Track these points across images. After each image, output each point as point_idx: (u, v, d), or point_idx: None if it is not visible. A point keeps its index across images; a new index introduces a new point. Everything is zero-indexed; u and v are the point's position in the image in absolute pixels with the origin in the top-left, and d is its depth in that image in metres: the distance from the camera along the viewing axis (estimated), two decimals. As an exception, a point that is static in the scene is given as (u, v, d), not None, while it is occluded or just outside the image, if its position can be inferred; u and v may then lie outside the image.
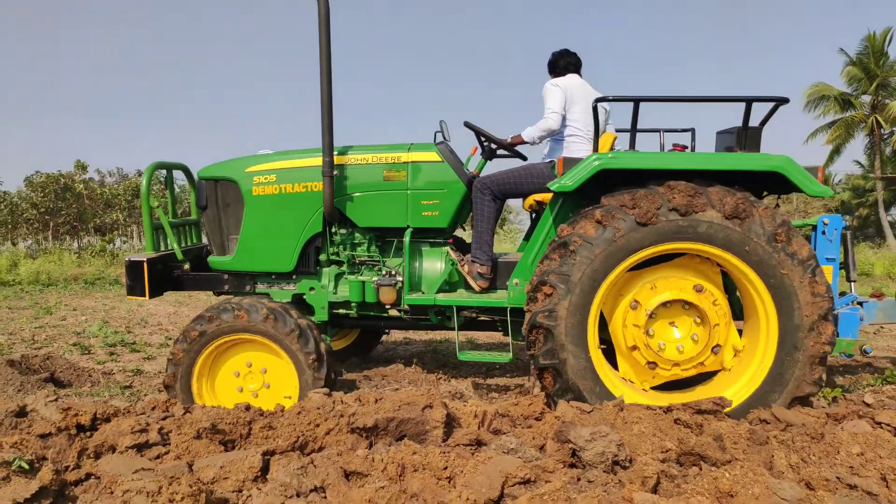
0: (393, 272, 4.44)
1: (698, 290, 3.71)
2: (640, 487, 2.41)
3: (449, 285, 4.42)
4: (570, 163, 3.79)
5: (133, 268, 4.27)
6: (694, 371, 3.80)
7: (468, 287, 4.36)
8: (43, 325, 7.96)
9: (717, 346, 3.74)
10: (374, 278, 4.41)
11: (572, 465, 2.74)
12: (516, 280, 4.07)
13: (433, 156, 4.33)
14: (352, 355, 5.75)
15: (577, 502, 2.21)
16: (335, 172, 4.17)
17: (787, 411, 3.40)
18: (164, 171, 4.74)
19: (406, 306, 4.33)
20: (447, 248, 4.42)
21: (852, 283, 4.41)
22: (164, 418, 3.06)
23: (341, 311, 4.57)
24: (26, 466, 2.37)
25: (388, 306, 4.42)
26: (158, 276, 4.41)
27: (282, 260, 4.44)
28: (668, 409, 3.34)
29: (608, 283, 3.63)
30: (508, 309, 4.13)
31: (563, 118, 4.28)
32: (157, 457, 2.78)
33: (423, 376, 5.15)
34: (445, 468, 2.57)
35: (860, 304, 4.41)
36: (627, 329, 3.76)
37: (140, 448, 2.80)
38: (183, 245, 4.79)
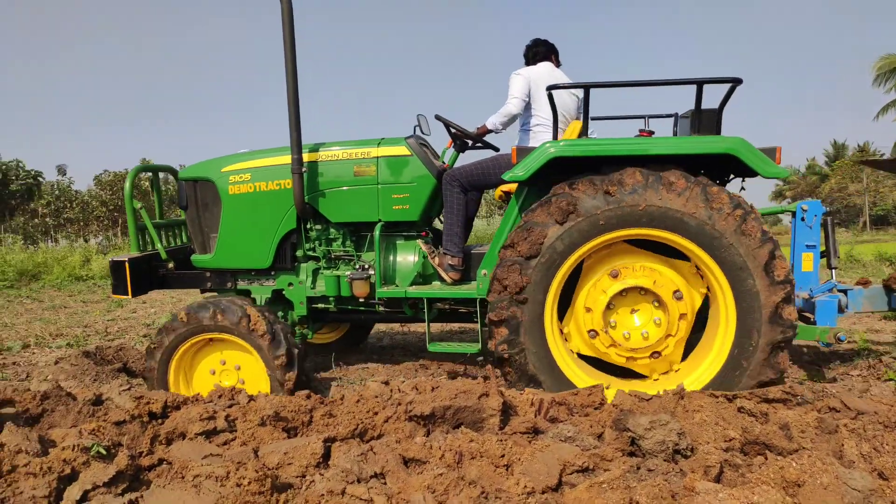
0: (366, 266, 4.47)
1: (678, 296, 3.69)
2: (702, 476, 2.37)
3: (423, 278, 4.46)
4: (523, 152, 3.78)
5: (116, 268, 4.39)
6: (649, 360, 3.81)
7: (443, 279, 4.36)
8: (115, 317, 8.34)
9: (658, 353, 3.77)
10: (348, 272, 4.45)
11: (631, 454, 2.71)
12: (484, 271, 4.06)
13: (402, 150, 4.35)
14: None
15: (636, 491, 2.19)
16: (304, 169, 4.21)
17: (858, 399, 3.26)
18: (162, 173, 4.84)
19: (380, 299, 4.39)
20: (419, 241, 4.45)
21: (833, 271, 4.29)
22: (230, 406, 3.17)
23: (320, 305, 4.63)
24: (104, 452, 2.50)
25: (361, 300, 4.45)
26: (142, 276, 4.51)
27: (259, 257, 4.52)
28: (732, 398, 3.26)
29: (564, 270, 3.66)
30: (478, 300, 4.12)
31: (530, 107, 4.20)
32: (225, 443, 2.89)
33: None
34: (503, 456, 2.58)
35: (844, 291, 4.31)
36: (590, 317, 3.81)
37: (208, 435, 2.92)
38: (170, 245, 4.92)
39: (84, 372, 4.89)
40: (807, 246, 4.15)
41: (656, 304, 3.76)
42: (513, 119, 4.44)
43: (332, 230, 4.56)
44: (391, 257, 4.49)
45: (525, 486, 2.35)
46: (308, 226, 4.53)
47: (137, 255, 4.54)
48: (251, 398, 3.30)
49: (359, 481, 2.46)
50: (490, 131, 4.44)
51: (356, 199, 4.39)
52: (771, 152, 3.56)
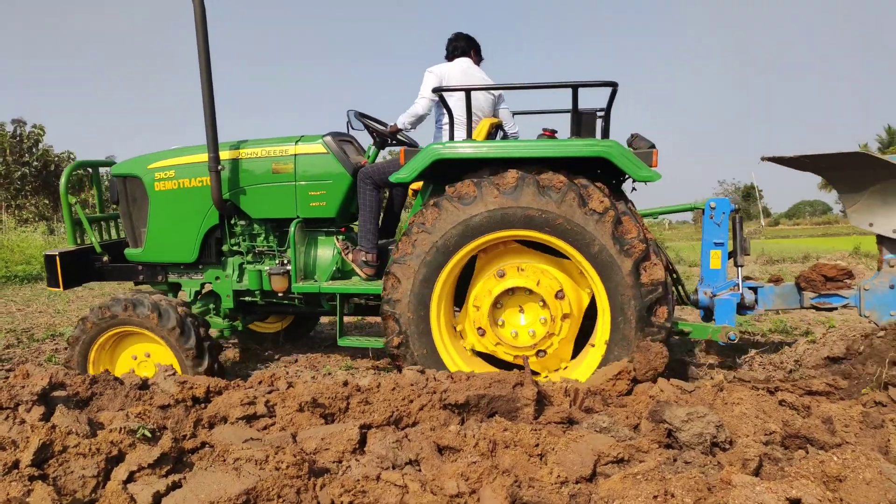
0: (285, 262, 4.57)
1: (560, 296, 3.76)
2: (740, 469, 2.33)
3: (342, 273, 4.57)
4: (410, 154, 3.87)
5: (49, 261, 4.57)
6: (533, 358, 3.86)
7: (360, 275, 4.43)
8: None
9: (543, 351, 3.82)
10: (266, 267, 4.56)
11: (668, 446, 2.69)
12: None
13: (319, 148, 4.44)
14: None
15: (671, 483, 2.17)
16: (221, 168, 4.32)
17: (907, 394, 3.16)
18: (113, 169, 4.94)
19: (298, 294, 4.51)
20: (334, 238, 4.56)
21: (739, 269, 4.25)
22: (269, 392, 3.25)
23: (247, 298, 4.75)
24: (149, 434, 2.59)
25: (280, 294, 4.56)
26: (74, 269, 4.67)
27: (184, 251, 4.66)
28: (774, 391, 3.20)
29: (448, 269, 3.76)
30: None
31: (443, 104, 4.14)
32: (264, 427, 2.96)
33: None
34: (537, 445, 2.58)
35: (754, 289, 4.31)
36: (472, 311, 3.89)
37: (249, 419, 2.99)
38: (108, 238, 5.07)
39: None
40: (714, 243, 4.18)
41: (542, 303, 3.79)
42: (420, 118, 4.53)
43: (255, 226, 4.66)
44: (310, 253, 4.60)
45: (559, 476, 2.35)
46: (232, 222, 4.66)
47: (71, 248, 4.73)
48: (290, 384, 3.37)
49: (394, 468, 2.50)
50: (400, 130, 4.51)
51: (275, 197, 4.49)
52: (647, 155, 3.64)
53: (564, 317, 3.77)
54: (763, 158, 4.03)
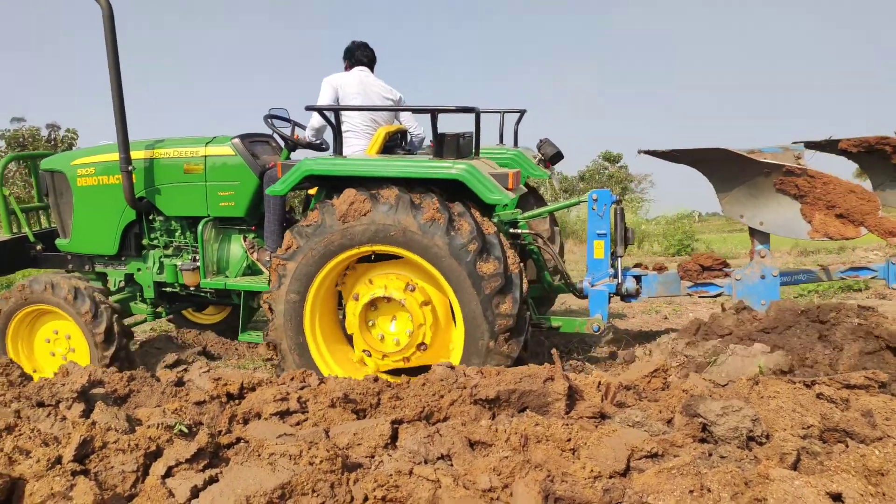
0: (197, 257, 4.71)
1: (410, 289, 3.87)
2: (777, 464, 2.29)
3: (252, 270, 4.75)
4: (286, 167, 4.00)
5: None
6: (401, 364, 3.96)
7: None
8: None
9: (423, 344, 3.88)
10: (177, 262, 4.75)
11: (703, 440, 2.65)
12: None
13: (227, 150, 4.61)
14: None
15: (707, 477, 2.15)
16: (131, 168, 4.51)
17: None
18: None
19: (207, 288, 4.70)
20: (240, 237, 4.77)
21: (618, 259, 4.36)
22: (301, 388, 3.28)
23: (168, 289, 4.95)
24: (186, 430, 2.64)
25: (193, 288, 4.75)
26: (6, 257, 4.98)
27: (105, 244, 4.88)
28: (811, 384, 3.14)
29: (319, 279, 3.90)
30: None
31: (335, 117, 4.21)
32: (297, 423, 2.99)
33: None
34: (569, 440, 2.57)
35: (638, 278, 4.41)
36: (348, 318, 4.04)
37: (282, 415, 3.03)
38: (43, 228, 5.30)
39: (166, 354, 5.17)
40: (598, 234, 4.29)
41: (401, 305, 3.90)
42: (321, 129, 4.76)
43: (172, 222, 4.86)
44: (221, 250, 4.81)
45: (591, 471, 2.33)
46: (150, 217, 4.87)
47: (5, 237, 5.01)
48: (321, 381, 3.40)
49: (426, 462, 2.51)
50: (302, 141, 4.70)
51: (187, 195, 4.68)
52: (503, 177, 3.77)
53: (424, 304, 3.88)
54: (640, 151, 4.23)
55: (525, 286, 3.84)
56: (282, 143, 4.77)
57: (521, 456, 2.44)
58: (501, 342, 3.72)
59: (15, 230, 5.16)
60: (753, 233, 4.26)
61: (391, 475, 2.29)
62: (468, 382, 3.11)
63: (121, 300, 4.90)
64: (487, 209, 3.94)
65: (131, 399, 3.25)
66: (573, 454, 2.52)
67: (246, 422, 3.02)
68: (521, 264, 3.92)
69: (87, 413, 2.89)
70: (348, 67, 4.96)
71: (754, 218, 4.16)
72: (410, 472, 2.32)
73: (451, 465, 2.53)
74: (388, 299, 3.91)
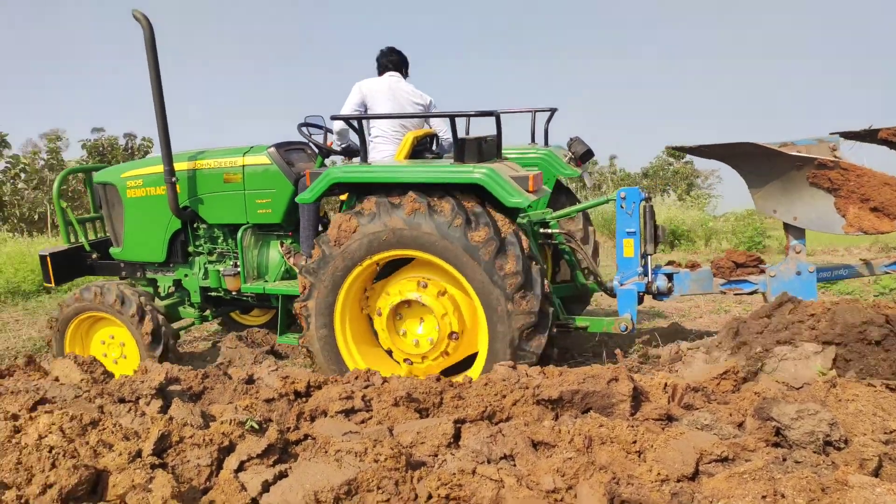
0: (238, 263, 4.90)
1: (423, 285, 3.97)
2: (857, 470, 2.19)
3: (290, 275, 4.87)
4: (314, 176, 4.12)
5: (42, 261, 5.16)
6: (442, 360, 4.02)
7: None
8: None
9: (454, 332, 3.95)
10: (220, 268, 4.96)
11: (776, 445, 2.56)
12: None
13: (264, 159, 4.77)
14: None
15: (781, 483, 2.07)
16: (174, 179, 4.72)
17: None
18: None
19: (248, 293, 4.88)
20: (278, 242, 4.92)
21: (648, 257, 4.27)
22: (366, 387, 3.34)
23: (213, 294, 5.16)
24: (256, 426, 2.73)
25: (234, 293, 4.94)
26: (65, 266, 5.22)
27: (154, 252, 5.12)
28: (894, 388, 2.98)
29: (349, 281, 4.03)
30: None
31: (363, 121, 4.34)
32: (362, 421, 3.05)
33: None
34: (634, 442, 2.52)
35: (670, 276, 4.38)
36: (381, 335, 4.15)
37: (347, 413, 3.09)
38: (97, 237, 5.57)
39: (238, 355, 5.35)
40: (627, 232, 4.26)
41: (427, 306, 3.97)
42: (344, 132, 4.85)
43: (214, 230, 5.07)
44: (260, 255, 4.98)
45: (658, 474, 2.29)
46: (195, 226, 5.09)
47: (63, 247, 5.29)
48: (385, 380, 3.45)
49: (489, 462, 2.51)
50: (333, 148, 4.84)
51: (227, 204, 4.88)
52: (524, 180, 3.81)
53: (441, 294, 3.96)
54: (668, 147, 4.07)
55: (546, 284, 3.87)
56: (316, 150, 4.93)
57: (585, 457, 2.41)
58: (525, 339, 3.77)
59: (73, 240, 5.44)
60: (788, 228, 4.17)
61: (454, 474, 2.31)
62: (530, 382, 3.10)
63: (170, 305, 5.16)
64: (512, 210, 3.95)
65: (205, 396, 3.39)
66: (639, 457, 2.47)
67: (313, 419, 3.10)
68: (543, 263, 3.95)
69: (164, 409, 3.03)
70: (380, 73, 5.06)
71: (788, 213, 4.06)
72: (474, 472, 2.33)
73: (514, 465, 2.53)
74: (408, 303, 4.02)
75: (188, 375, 3.47)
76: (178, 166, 4.83)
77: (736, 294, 4.34)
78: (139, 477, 2.29)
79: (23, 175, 16.03)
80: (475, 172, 3.76)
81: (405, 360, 4.12)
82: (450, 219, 3.74)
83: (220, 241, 5.11)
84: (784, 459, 2.36)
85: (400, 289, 4.03)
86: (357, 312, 4.28)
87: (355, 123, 4.20)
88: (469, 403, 3.03)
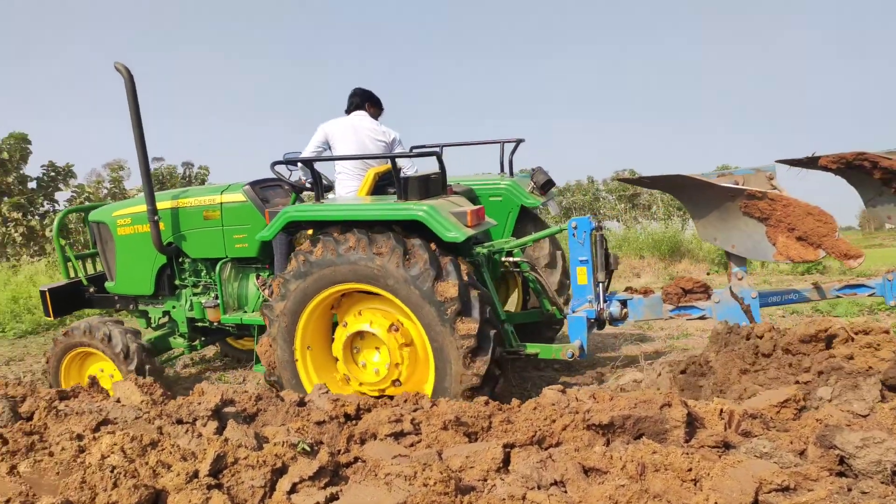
0: (218, 295, 5.16)
1: (394, 329, 4.14)
2: (929, 503, 2.08)
3: None
4: (273, 215, 4.40)
5: (41, 295, 5.51)
6: (375, 394, 4.14)
7: None
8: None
9: (398, 381, 4.16)
10: (203, 300, 5.20)
11: (840, 474, 2.45)
12: None
13: (239, 197, 5.04)
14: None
15: (846, 515, 1.98)
16: (157, 217, 5.02)
17: None
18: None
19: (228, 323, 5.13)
20: (253, 275, 5.17)
21: (600, 284, 4.40)
22: (414, 410, 3.35)
23: (200, 324, 5.42)
24: (308, 449, 2.77)
25: (216, 324, 5.18)
26: (63, 300, 5.55)
27: (143, 285, 5.42)
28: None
29: (308, 309, 4.23)
30: None
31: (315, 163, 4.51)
32: (411, 445, 3.06)
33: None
34: (689, 470, 2.46)
35: (624, 302, 4.49)
36: (335, 342, 4.33)
37: (396, 436, 3.11)
38: (96, 272, 5.88)
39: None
40: (580, 260, 4.38)
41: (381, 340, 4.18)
42: (307, 172, 4.94)
43: (198, 264, 5.33)
44: (240, 287, 5.22)
45: (715, 503, 2.22)
46: (180, 260, 5.37)
47: (62, 282, 5.64)
48: (434, 403, 3.46)
49: (539, 488, 2.48)
50: (308, 185, 4.93)
51: (207, 239, 5.14)
52: (462, 215, 3.99)
53: (405, 346, 4.13)
54: (613, 179, 4.19)
55: (488, 309, 4.01)
56: (288, 188, 5.16)
57: (638, 485, 2.36)
58: (467, 362, 3.91)
59: (72, 275, 5.76)
60: (729, 255, 4.30)
61: (504, 499, 2.29)
62: (580, 407, 3.06)
63: (160, 336, 5.50)
64: (458, 244, 4.11)
65: (259, 417, 3.46)
66: (694, 485, 2.41)
67: (363, 442, 3.13)
68: (486, 290, 4.20)
69: (220, 430, 3.10)
70: (348, 112, 5.33)
71: (727, 241, 4.20)
72: (524, 498, 2.30)
73: (565, 491, 2.49)
74: (375, 335, 4.18)
75: (242, 398, 3.55)
76: (161, 205, 5.14)
77: (688, 319, 4.52)
78: (196, 497, 2.35)
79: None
80: (415, 209, 3.97)
81: (344, 375, 4.36)
82: (389, 253, 3.93)
83: (203, 274, 5.36)
84: (849, 489, 2.26)
85: (372, 319, 4.20)
86: (318, 341, 4.48)
87: (313, 163, 4.47)
88: (518, 428, 3.01)
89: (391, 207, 4.10)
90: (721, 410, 3.04)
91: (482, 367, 3.91)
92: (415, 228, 4.06)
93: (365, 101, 5.29)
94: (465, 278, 3.99)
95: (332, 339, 4.43)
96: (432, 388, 4.06)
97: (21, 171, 15.45)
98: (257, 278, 5.12)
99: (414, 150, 5.11)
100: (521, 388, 5.10)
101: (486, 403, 3.31)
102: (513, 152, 5.74)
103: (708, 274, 9.59)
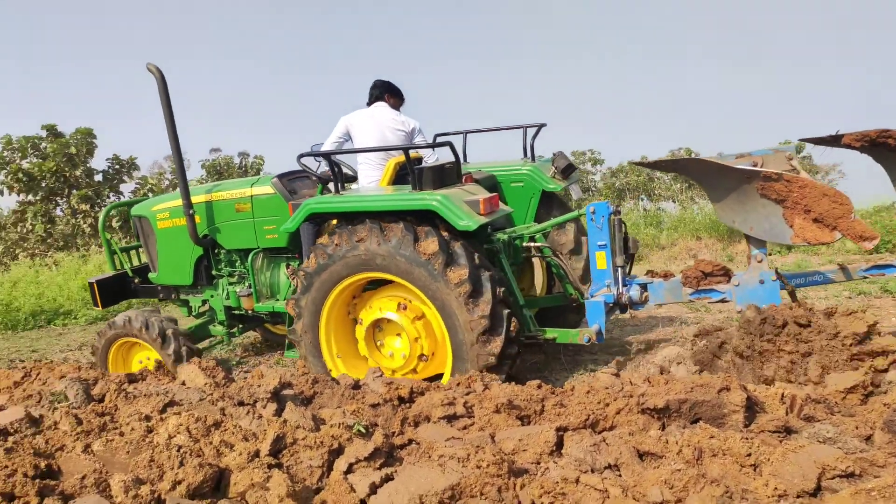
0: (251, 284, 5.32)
1: (402, 307, 4.26)
2: None
3: None
4: (296, 207, 4.55)
5: (90, 287, 5.77)
6: (410, 376, 4.26)
7: None
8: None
9: (424, 355, 4.26)
10: (238, 289, 5.35)
11: (910, 461, 2.35)
12: None
13: (268, 189, 5.17)
14: None
15: (916, 503, 1.91)
16: (192, 211, 5.18)
17: None
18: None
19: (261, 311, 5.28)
20: (283, 264, 5.29)
21: (619, 269, 4.40)
22: (467, 394, 3.38)
23: (237, 312, 5.57)
24: (363, 430, 2.84)
25: (250, 311, 5.33)
26: (110, 291, 5.81)
27: (182, 276, 5.64)
28: None
29: (331, 300, 4.38)
30: None
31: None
32: (464, 427, 3.09)
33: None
34: (749, 455, 2.40)
35: (644, 286, 4.49)
36: (359, 343, 4.47)
37: (449, 419, 3.14)
38: (141, 263, 6.13)
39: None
40: (598, 245, 4.38)
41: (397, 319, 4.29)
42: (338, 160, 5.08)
43: (232, 255, 5.51)
44: (271, 277, 5.37)
45: (776, 489, 2.17)
46: (216, 251, 5.56)
47: (109, 274, 5.93)
48: (486, 387, 3.47)
49: (592, 471, 2.47)
50: (328, 175, 4.93)
51: (239, 231, 5.31)
52: (475, 204, 4.08)
53: (417, 319, 4.23)
54: (630, 163, 4.02)
55: (499, 290, 4.06)
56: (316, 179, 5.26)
57: (694, 469, 2.32)
58: (482, 342, 3.97)
59: (118, 267, 6.03)
60: (748, 238, 4.23)
61: (557, 482, 2.29)
62: (635, 391, 3.02)
63: (200, 324, 5.72)
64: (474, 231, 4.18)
65: (316, 400, 3.55)
66: (754, 470, 2.35)
67: (416, 424, 3.18)
68: (495, 270, 4.25)
69: (279, 412, 3.20)
70: (369, 104, 5.36)
71: (745, 224, 4.13)
72: (577, 481, 2.30)
73: (620, 475, 2.47)
74: (388, 320, 4.31)
75: (300, 381, 3.64)
76: (196, 199, 5.32)
77: (710, 303, 4.47)
78: (257, 476, 2.44)
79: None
80: (428, 199, 4.06)
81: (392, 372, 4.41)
82: (401, 240, 4.05)
83: (237, 264, 5.54)
84: (920, 477, 2.17)
85: (381, 306, 4.34)
86: (340, 330, 4.60)
87: (331, 155, 4.59)
88: (571, 411, 3.00)
89: (406, 197, 4.20)
90: (782, 395, 2.96)
91: (497, 345, 3.98)
92: (430, 217, 4.15)
93: (385, 92, 5.36)
94: (477, 261, 4.07)
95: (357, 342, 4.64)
96: (450, 368, 4.16)
97: (88, 165, 16.15)
98: (287, 267, 5.30)
99: (437, 139, 5.10)
100: (571, 373, 5.06)
101: (539, 387, 3.31)
102: (534, 137, 5.73)
103: (769, 255, 9.26)
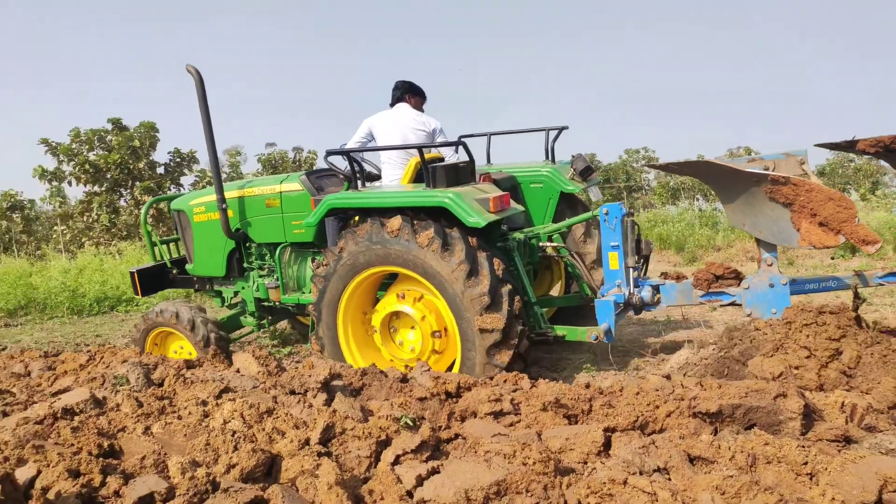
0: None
1: (400, 296, 4.49)
2: None
3: None
4: (318, 201, 4.74)
5: (131, 276, 5.98)
6: (435, 357, 4.47)
7: None
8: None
9: (436, 331, 4.41)
10: (267, 282, 5.52)
11: (981, 477, 2.24)
12: None
13: (297, 186, 5.33)
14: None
15: None
16: (225, 205, 5.37)
17: None
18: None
19: (290, 304, 5.45)
20: (308, 258, 5.43)
21: (630, 270, 4.44)
22: (514, 390, 3.37)
23: (266, 303, 5.74)
24: (410, 423, 2.86)
25: (277, 303, 5.53)
26: (149, 280, 6.03)
27: (215, 268, 5.87)
28: None
29: (348, 292, 4.60)
30: None
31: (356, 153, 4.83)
32: (511, 424, 3.09)
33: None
34: (805, 463, 2.33)
35: (656, 287, 4.55)
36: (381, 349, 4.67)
37: (496, 415, 3.14)
38: (179, 255, 6.34)
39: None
40: (611, 246, 4.41)
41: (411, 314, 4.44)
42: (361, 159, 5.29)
43: (262, 248, 5.69)
44: (298, 270, 5.52)
45: (833, 499, 2.10)
46: (247, 245, 5.76)
47: (149, 265, 6.16)
48: (533, 384, 3.46)
49: (641, 473, 2.44)
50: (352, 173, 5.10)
51: (269, 225, 5.49)
52: (486, 202, 4.22)
53: (417, 300, 4.40)
54: (645, 166, 3.89)
55: (516, 302, 4.19)
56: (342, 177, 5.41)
57: (747, 476, 2.27)
58: (491, 354, 4.14)
59: (157, 258, 6.28)
60: (759, 241, 4.24)
61: (605, 483, 2.27)
62: (686, 394, 2.97)
63: (232, 315, 5.93)
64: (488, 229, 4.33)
65: (364, 392, 3.60)
66: (810, 479, 2.28)
67: (463, 419, 3.19)
68: (514, 280, 4.39)
69: (328, 402, 3.27)
70: (392, 104, 5.56)
71: (754, 227, 4.16)
72: (625, 482, 2.27)
73: (669, 478, 2.43)
74: (397, 315, 4.52)
75: (349, 372, 3.71)
76: (229, 194, 5.52)
77: (721, 305, 4.47)
78: (308, 463, 2.50)
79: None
80: (441, 196, 4.21)
81: (391, 362, 4.57)
82: (409, 236, 4.21)
83: (267, 258, 5.72)
84: None
85: (384, 304, 4.53)
86: (358, 319, 4.80)
87: (354, 154, 4.79)
88: (619, 412, 2.96)
89: (420, 195, 4.35)
90: (843, 403, 2.85)
91: (505, 358, 4.12)
92: (439, 214, 4.29)
93: (406, 92, 5.52)
94: (473, 245, 4.20)
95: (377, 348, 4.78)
96: (459, 369, 4.29)
97: (151, 158, 16.76)
98: (312, 261, 5.46)
99: (461, 139, 5.15)
100: (619, 373, 5.00)
101: (587, 386, 3.28)
102: (555, 139, 5.84)
103: (833, 259, 8.92)
